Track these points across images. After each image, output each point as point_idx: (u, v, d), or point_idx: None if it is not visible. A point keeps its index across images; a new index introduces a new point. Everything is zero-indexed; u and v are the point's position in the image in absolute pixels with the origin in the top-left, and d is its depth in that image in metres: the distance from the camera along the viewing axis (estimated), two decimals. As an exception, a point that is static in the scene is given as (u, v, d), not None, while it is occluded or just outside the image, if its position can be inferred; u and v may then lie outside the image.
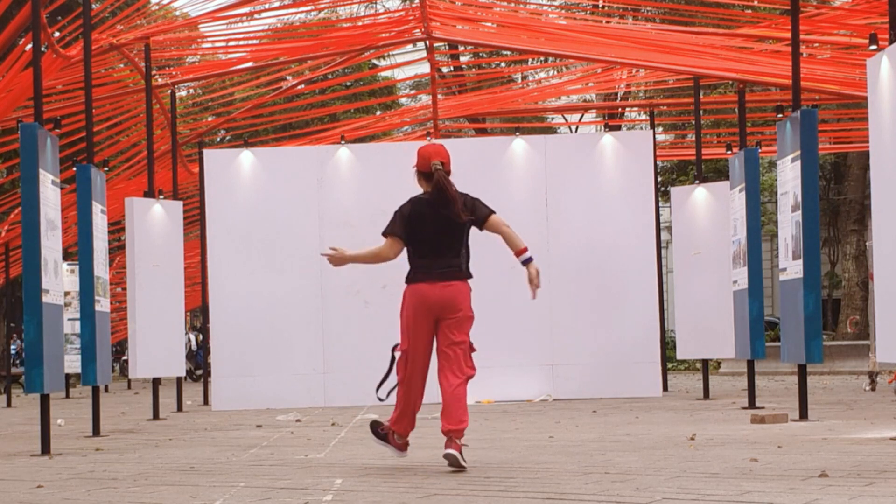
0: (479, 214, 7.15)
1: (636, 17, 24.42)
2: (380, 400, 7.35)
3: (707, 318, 14.68)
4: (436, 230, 7.09)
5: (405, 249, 7.17)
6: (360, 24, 22.01)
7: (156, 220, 14.23)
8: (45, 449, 9.15)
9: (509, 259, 15.88)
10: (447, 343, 7.02)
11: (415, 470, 6.96)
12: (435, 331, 7.06)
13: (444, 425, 6.84)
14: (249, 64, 19.71)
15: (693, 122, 17.37)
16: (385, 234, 7.21)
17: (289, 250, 15.31)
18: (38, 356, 8.91)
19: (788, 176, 10.71)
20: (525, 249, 7.17)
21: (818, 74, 15.42)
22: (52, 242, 9.32)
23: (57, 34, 15.06)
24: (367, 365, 15.12)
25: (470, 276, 7.16)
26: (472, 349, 7.08)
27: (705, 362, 15.81)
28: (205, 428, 11.69)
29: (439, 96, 23.15)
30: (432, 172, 7.13)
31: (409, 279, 7.12)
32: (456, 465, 6.77)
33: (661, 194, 24.24)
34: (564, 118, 36.92)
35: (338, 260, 7.29)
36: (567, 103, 30.32)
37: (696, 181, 15.61)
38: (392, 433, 7.27)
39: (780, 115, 11.27)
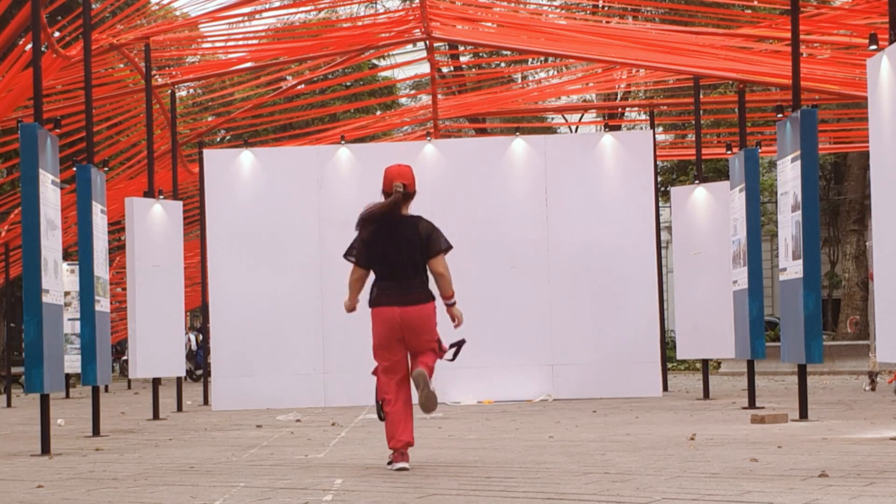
0: (430, 249, 7.12)
1: (636, 17, 24.42)
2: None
3: (707, 318, 14.67)
4: (394, 252, 7.11)
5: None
6: (360, 24, 22.01)
7: (156, 220, 14.23)
8: (45, 449, 9.15)
9: (509, 259, 15.92)
10: (413, 364, 7.13)
11: (414, 470, 6.97)
12: (405, 348, 7.14)
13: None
14: (249, 64, 19.70)
15: (693, 122, 17.37)
16: (347, 257, 7.27)
17: (289, 250, 15.32)
18: (38, 356, 8.90)
19: (788, 176, 10.71)
20: (451, 295, 7.19)
21: (818, 74, 15.42)
22: (52, 242, 9.32)
23: (57, 34, 15.05)
24: (367, 365, 15.16)
25: (433, 297, 7.17)
26: (440, 351, 7.17)
27: (705, 362, 15.80)
28: (205, 428, 11.69)
29: (439, 96, 23.14)
30: (392, 193, 7.16)
31: (372, 302, 7.16)
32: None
33: (661, 194, 24.23)
34: (564, 118, 36.91)
35: (349, 306, 7.35)
36: (567, 103, 30.31)
37: (696, 181, 15.61)
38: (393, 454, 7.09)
39: (780, 115, 11.27)
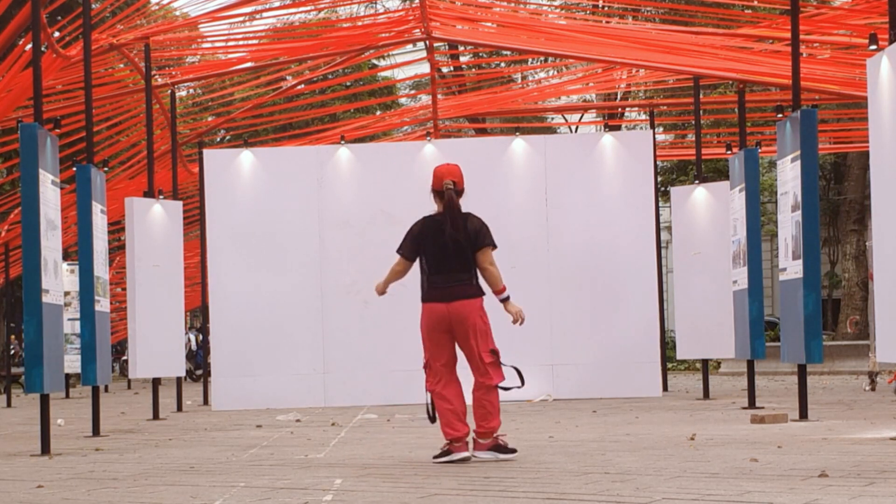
0: (477, 242, 7.37)
1: (636, 17, 24.41)
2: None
3: (707, 318, 14.67)
4: (444, 248, 7.35)
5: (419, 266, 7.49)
6: (360, 24, 22.01)
7: (156, 220, 14.23)
8: (45, 449, 9.15)
9: (508, 259, 15.92)
10: (466, 354, 7.40)
11: (415, 470, 6.97)
12: (454, 342, 7.41)
13: (476, 429, 7.35)
14: (249, 64, 19.70)
15: (693, 122, 17.37)
16: (398, 251, 7.56)
17: (289, 250, 15.31)
18: (38, 356, 8.90)
19: (788, 176, 10.71)
20: (503, 290, 7.41)
21: (818, 74, 15.41)
22: (52, 242, 9.32)
23: (57, 34, 15.05)
24: (367, 365, 15.20)
25: (481, 292, 7.40)
26: (491, 358, 7.35)
27: (705, 362, 15.80)
28: (205, 428, 11.69)
29: (439, 96, 23.14)
30: (444, 191, 7.42)
31: (422, 297, 7.43)
32: (494, 459, 7.25)
33: (661, 194, 24.23)
34: (564, 118, 36.92)
35: (379, 289, 7.71)
36: (567, 103, 30.31)
37: (696, 181, 15.61)
38: (449, 445, 7.39)
39: (780, 115, 11.27)
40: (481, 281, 7.40)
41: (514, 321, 7.44)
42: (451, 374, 7.42)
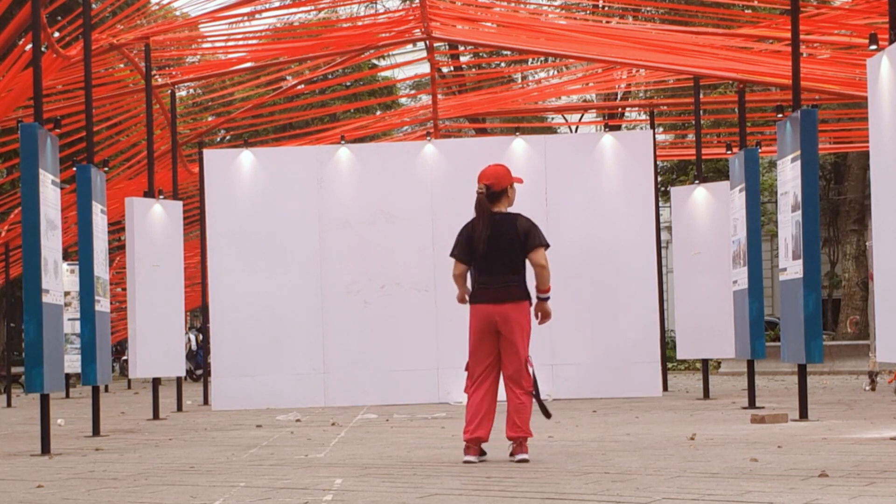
0: (528, 244, 7.36)
1: (636, 17, 24.42)
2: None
3: (707, 318, 14.67)
4: (492, 249, 7.35)
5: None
6: (360, 24, 22.01)
7: (156, 220, 14.23)
8: (45, 449, 9.15)
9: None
10: (505, 357, 7.32)
11: (415, 470, 6.97)
12: (498, 345, 7.35)
13: (507, 432, 7.30)
14: (249, 64, 19.70)
15: (693, 122, 17.37)
16: (451, 255, 7.55)
17: (289, 250, 15.31)
18: (38, 356, 8.90)
19: (788, 176, 10.71)
20: (548, 290, 7.43)
21: (818, 74, 15.42)
22: (52, 242, 9.32)
23: (57, 34, 15.04)
24: (367, 365, 15.20)
25: (529, 296, 7.37)
26: (530, 363, 7.34)
27: (705, 362, 15.80)
28: (205, 428, 11.69)
29: (439, 96, 23.14)
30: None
31: (471, 298, 7.43)
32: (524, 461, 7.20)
33: (661, 194, 24.23)
34: (564, 118, 36.93)
35: (459, 297, 7.58)
36: (567, 103, 30.32)
37: (696, 181, 15.61)
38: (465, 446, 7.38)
39: (780, 115, 11.27)
40: (528, 285, 7.40)
41: (538, 317, 7.44)
42: (487, 379, 7.33)
